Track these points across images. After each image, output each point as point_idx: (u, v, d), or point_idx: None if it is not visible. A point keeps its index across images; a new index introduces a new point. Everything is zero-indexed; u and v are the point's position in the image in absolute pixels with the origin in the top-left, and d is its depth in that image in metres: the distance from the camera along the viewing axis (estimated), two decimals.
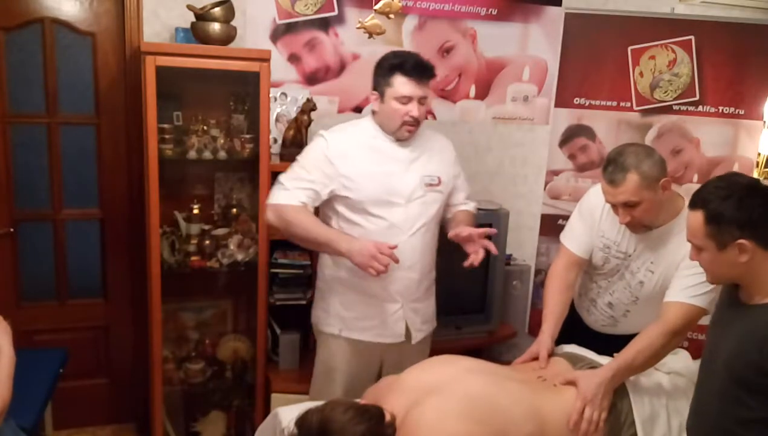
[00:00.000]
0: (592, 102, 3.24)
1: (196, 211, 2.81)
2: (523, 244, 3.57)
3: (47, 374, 2.62)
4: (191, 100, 2.83)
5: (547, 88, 3.51)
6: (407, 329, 2.31)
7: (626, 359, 1.91)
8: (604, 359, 2.03)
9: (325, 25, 3.09)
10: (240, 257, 2.82)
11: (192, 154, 2.73)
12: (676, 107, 3.21)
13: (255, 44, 2.94)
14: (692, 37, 3.14)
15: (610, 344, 2.10)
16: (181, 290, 2.86)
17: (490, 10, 3.34)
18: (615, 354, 1.97)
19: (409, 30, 3.25)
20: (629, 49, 3.17)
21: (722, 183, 1.60)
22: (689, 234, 1.64)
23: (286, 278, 2.84)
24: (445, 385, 1.72)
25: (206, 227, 2.85)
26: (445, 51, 3.34)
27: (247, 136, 2.78)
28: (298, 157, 2.25)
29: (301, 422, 1.54)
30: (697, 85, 3.18)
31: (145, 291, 2.79)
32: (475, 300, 3.14)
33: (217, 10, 2.61)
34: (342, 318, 2.29)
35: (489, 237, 2.23)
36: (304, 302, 2.81)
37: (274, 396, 2.73)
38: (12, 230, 2.91)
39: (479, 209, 3.10)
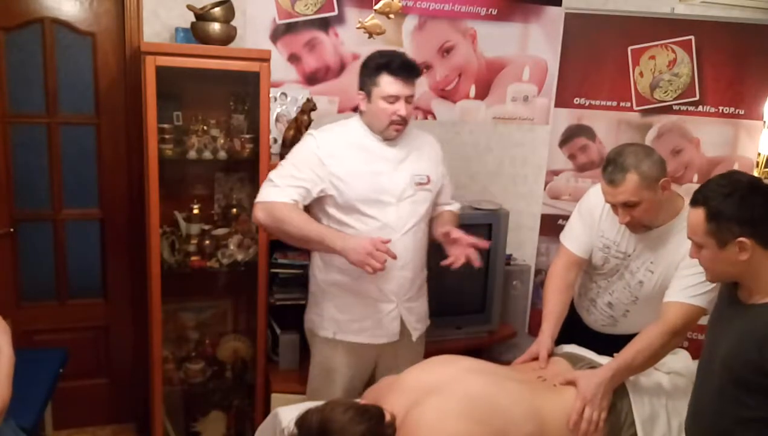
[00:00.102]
0: (592, 102, 3.24)
1: (196, 211, 2.81)
2: (523, 244, 3.57)
3: (47, 374, 2.62)
4: (191, 100, 2.83)
5: (547, 88, 3.51)
6: (405, 327, 2.31)
7: (626, 359, 1.91)
8: (604, 359, 2.03)
9: (325, 25, 3.09)
10: (240, 257, 2.82)
11: (192, 154, 2.73)
12: (676, 107, 3.21)
13: (255, 44, 2.94)
14: (692, 37, 3.14)
15: (609, 344, 2.10)
16: (181, 290, 2.86)
17: (490, 10, 3.34)
18: (615, 354, 1.97)
19: (409, 30, 3.25)
20: (629, 49, 3.18)
21: (724, 181, 1.60)
22: (690, 231, 1.64)
23: (286, 278, 2.84)
24: (445, 385, 1.72)
25: (206, 227, 2.85)
26: (445, 51, 3.34)
27: (247, 136, 2.78)
28: (288, 156, 2.25)
29: (301, 422, 1.54)
30: (697, 85, 3.18)
31: (145, 291, 2.79)
32: (475, 300, 3.14)
33: (217, 10, 2.61)
34: (336, 321, 2.28)
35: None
36: (304, 302, 2.79)
37: (274, 396, 2.73)
38: (12, 230, 2.91)
39: (479, 209, 3.13)
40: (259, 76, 2.64)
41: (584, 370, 1.98)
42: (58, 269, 3.02)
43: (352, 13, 3.08)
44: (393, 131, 2.20)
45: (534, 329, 3.37)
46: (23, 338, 2.83)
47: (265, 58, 2.65)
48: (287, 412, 1.95)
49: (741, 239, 1.54)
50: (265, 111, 2.69)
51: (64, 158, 2.94)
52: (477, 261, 2.19)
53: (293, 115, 2.96)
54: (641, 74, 3.19)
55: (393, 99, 2.15)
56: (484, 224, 3.08)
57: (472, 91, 3.43)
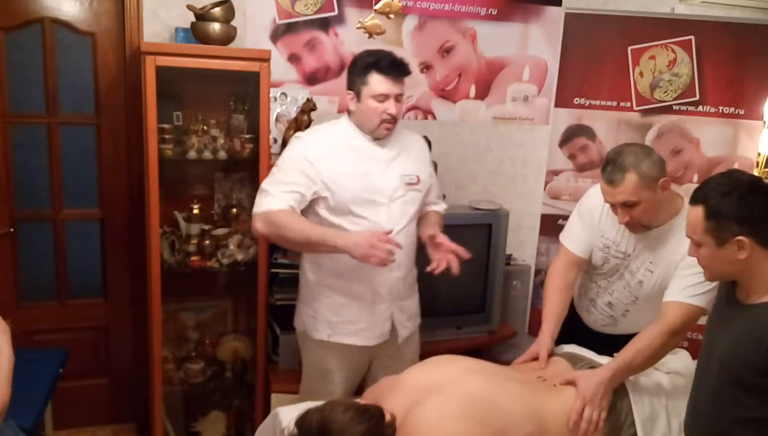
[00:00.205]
0: (592, 102, 3.24)
1: (196, 211, 2.81)
2: (523, 244, 3.58)
3: (47, 374, 2.62)
4: (191, 100, 2.83)
5: (547, 88, 3.51)
6: (394, 327, 2.31)
7: (625, 359, 1.91)
8: (604, 359, 2.03)
9: (325, 25, 3.09)
10: (240, 257, 2.82)
11: (192, 154, 2.73)
12: (676, 107, 3.21)
13: (255, 44, 2.94)
14: (692, 37, 3.14)
15: (609, 343, 2.10)
16: (181, 290, 2.86)
17: (490, 10, 3.34)
18: (615, 354, 1.97)
19: (409, 30, 3.25)
20: (629, 49, 3.18)
21: (724, 179, 1.60)
22: (689, 229, 1.64)
23: (286, 278, 2.84)
24: (445, 385, 1.72)
25: (206, 227, 2.85)
26: (445, 51, 3.34)
27: (247, 136, 2.78)
28: (278, 162, 2.23)
29: (301, 422, 1.54)
30: (697, 85, 3.18)
31: (145, 291, 2.79)
32: (475, 300, 3.14)
33: (217, 10, 2.61)
34: (330, 323, 2.27)
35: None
36: None
37: (274, 396, 2.73)
38: (12, 230, 2.91)
39: (479, 209, 3.12)
40: (259, 76, 2.64)
41: (584, 370, 1.98)
42: (58, 269, 3.02)
43: (352, 13, 3.08)
44: (383, 130, 2.19)
45: (534, 329, 3.37)
46: (23, 338, 2.83)
47: (265, 58, 2.65)
48: (287, 412, 1.94)
49: (740, 237, 1.54)
50: (265, 111, 2.69)
51: (64, 158, 2.94)
52: (456, 269, 2.17)
53: (293, 115, 2.96)
54: (641, 74, 3.20)
55: (383, 98, 2.14)
56: (484, 224, 3.08)
57: (472, 91, 3.43)
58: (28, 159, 2.91)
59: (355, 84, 2.18)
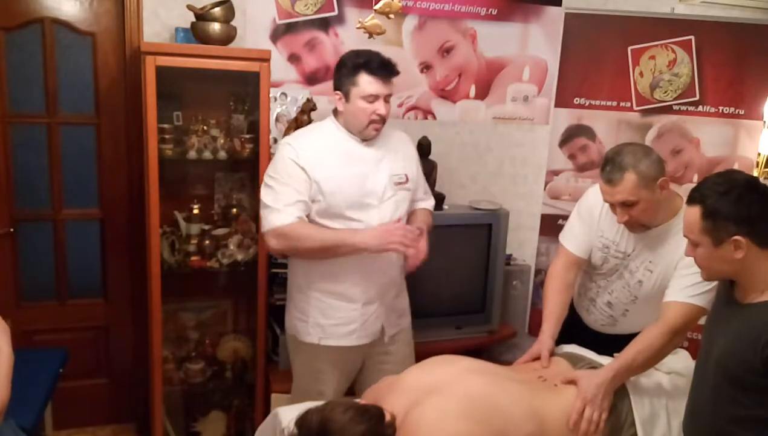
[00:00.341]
0: (592, 102, 3.24)
1: (196, 211, 2.81)
2: (523, 244, 3.58)
3: (47, 374, 2.62)
4: (191, 100, 2.83)
5: (547, 88, 3.51)
6: (383, 325, 2.31)
7: (626, 359, 1.91)
8: (604, 359, 2.03)
9: (325, 25, 3.09)
10: (240, 257, 2.82)
11: (192, 154, 2.73)
12: (676, 107, 3.21)
13: (255, 44, 2.94)
14: (692, 37, 3.15)
15: (609, 343, 2.10)
16: (181, 290, 2.86)
17: (490, 10, 3.34)
18: (615, 354, 1.97)
19: (409, 30, 3.25)
20: (629, 49, 3.18)
21: (721, 179, 1.61)
22: (686, 229, 1.65)
23: (286, 278, 2.83)
24: (445, 385, 1.72)
25: (206, 227, 2.85)
26: (445, 51, 3.34)
27: (247, 136, 2.78)
28: (271, 174, 2.18)
29: (301, 422, 1.53)
30: (697, 85, 3.18)
31: (145, 291, 2.79)
32: (475, 300, 3.14)
33: (217, 10, 2.61)
34: (322, 327, 2.26)
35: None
36: None
37: (274, 396, 2.73)
38: (12, 230, 2.91)
39: (479, 209, 3.13)
40: (259, 76, 2.64)
41: (585, 370, 1.98)
42: (58, 269, 3.02)
43: (352, 13, 3.08)
44: (372, 131, 2.18)
45: (534, 329, 3.38)
46: (23, 338, 2.83)
47: (265, 58, 2.65)
48: (287, 412, 1.94)
49: (736, 237, 1.55)
50: (265, 111, 2.69)
51: (64, 158, 2.94)
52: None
53: (293, 115, 2.96)
54: (641, 74, 3.20)
55: (373, 98, 2.13)
56: (484, 224, 3.08)
57: (472, 91, 3.43)
58: (28, 159, 2.91)
59: (343, 84, 2.16)
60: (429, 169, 3.04)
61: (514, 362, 2.15)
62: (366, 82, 2.12)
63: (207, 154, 2.76)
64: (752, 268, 1.57)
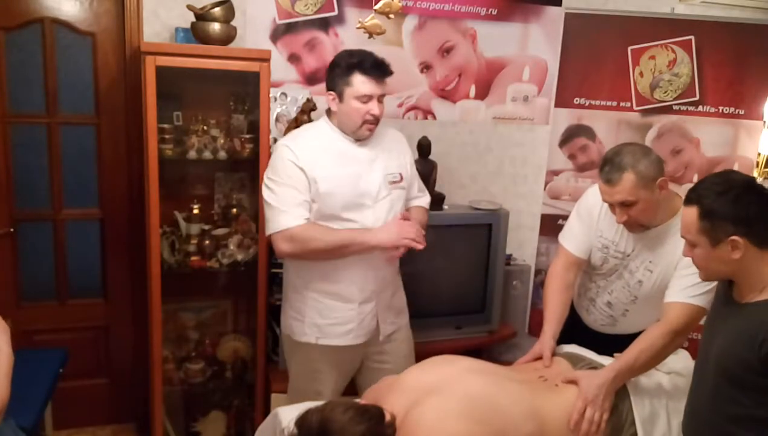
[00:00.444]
0: (592, 102, 3.24)
1: (196, 211, 2.81)
2: (523, 244, 3.58)
3: (47, 374, 2.62)
4: (191, 100, 2.83)
5: (547, 88, 3.51)
6: (379, 324, 2.31)
7: (628, 360, 1.91)
8: (604, 359, 2.04)
9: (325, 25, 3.09)
10: (240, 257, 2.82)
11: (192, 154, 2.73)
12: (676, 107, 3.21)
13: (255, 44, 2.94)
14: (692, 37, 3.15)
15: (609, 343, 2.10)
16: (181, 290, 2.86)
17: (490, 10, 3.34)
18: (615, 354, 1.97)
19: (409, 30, 3.25)
20: (629, 49, 3.18)
21: (718, 179, 1.61)
22: (683, 229, 1.65)
23: None
24: (445, 385, 1.72)
25: (206, 227, 2.85)
26: (445, 51, 3.34)
27: (247, 136, 2.78)
28: (271, 176, 2.17)
29: (301, 422, 1.53)
30: (697, 85, 3.18)
31: (145, 291, 2.79)
32: (475, 300, 3.14)
33: (217, 10, 2.61)
34: (318, 326, 2.26)
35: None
36: None
37: (274, 396, 2.73)
38: (12, 230, 2.91)
39: (479, 209, 3.12)
40: (259, 76, 2.64)
41: (585, 370, 1.98)
42: (58, 269, 3.02)
43: (352, 13, 3.08)
44: (366, 131, 2.18)
45: (534, 329, 3.38)
46: (23, 338, 2.83)
47: (265, 58, 2.65)
48: (287, 412, 1.94)
49: (734, 237, 1.55)
50: (265, 111, 2.69)
51: (64, 158, 2.94)
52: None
53: (293, 115, 2.96)
54: (641, 74, 3.20)
55: (366, 98, 2.13)
56: (484, 224, 3.08)
57: (472, 91, 3.43)
58: (28, 159, 2.91)
59: (337, 85, 2.15)
60: (429, 169, 3.04)
61: (514, 362, 2.15)
62: (360, 83, 2.12)
63: (207, 154, 2.76)
64: (750, 268, 1.58)
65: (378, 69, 2.14)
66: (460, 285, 3.11)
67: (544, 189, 3.35)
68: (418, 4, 3.22)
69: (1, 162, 2.85)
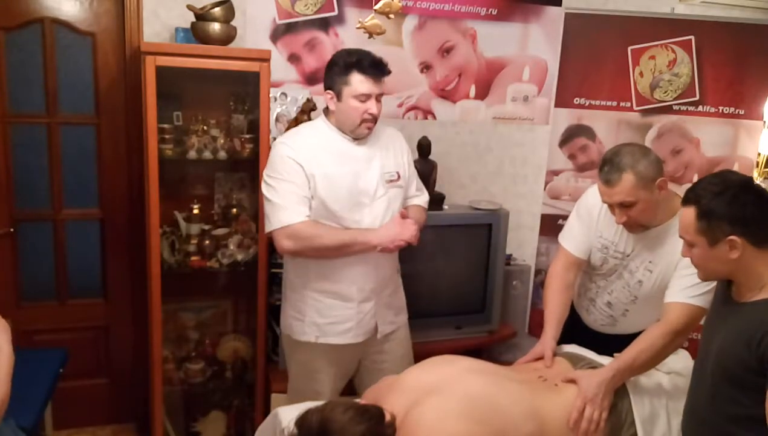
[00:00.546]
0: (592, 102, 3.24)
1: (196, 211, 2.81)
2: (523, 244, 3.58)
3: (47, 374, 2.62)
4: (191, 100, 2.83)
5: (547, 88, 3.51)
6: (378, 323, 2.32)
7: (627, 359, 1.91)
8: (604, 359, 2.04)
9: (325, 25, 3.09)
10: (240, 257, 2.82)
11: (192, 154, 2.73)
12: (676, 107, 3.21)
13: (255, 44, 2.94)
14: (692, 37, 3.15)
15: (609, 343, 2.10)
16: (181, 290, 2.86)
17: (490, 10, 3.34)
18: (615, 354, 1.97)
19: (409, 30, 3.25)
20: (629, 49, 3.18)
21: (716, 180, 1.62)
22: (681, 230, 1.65)
23: None
24: (445, 385, 1.72)
25: (206, 227, 2.85)
26: (445, 51, 3.34)
27: (247, 136, 2.78)
28: (271, 173, 2.18)
29: (301, 422, 1.53)
30: (697, 85, 3.18)
31: (145, 291, 2.79)
32: (475, 300, 3.14)
33: (217, 10, 2.61)
34: (318, 325, 2.26)
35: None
36: None
37: (274, 396, 2.73)
38: (12, 230, 2.91)
39: (479, 209, 3.12)
40: (259, 76, 2.64)
41: (585, 370, 1.99)
42: (58, 269, 3.02)
43: (352, 13, 3.08)
44: (365, 130, 2.19)
45: (534, 329, 3.38)
46: (23, 338, 2.83)
47: (265, 58, 2.65)
48: (287, 412, 1.94)
49: (731, 237, 1.55)
50: (265, 111, 2.69)
51: (64, 158, 2.94)
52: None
53: (293, 115, 2.96)
54: (641, 74, 3.20)
55: (365, 97, 2.13)
56: (484, 224, 3.08)
57: (472, 91, 3.43)
58: (28, 159, 2.91)
59: (335, 84, 2.16)
60: (429, 169, 3.04)
61: (514, 362, 2.15)
62: (358, 82, 2.12)
63: (207, 154, 2.76)
64: (748, 267, 1.58)
65: (376, 68, 2.14)
66: (460, 285, 3.11)
67: (544, 189, 3.35)
68: (418, 4, 3.22)
69: (1, 162, 2.85)
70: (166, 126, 2.67)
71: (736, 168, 3.15)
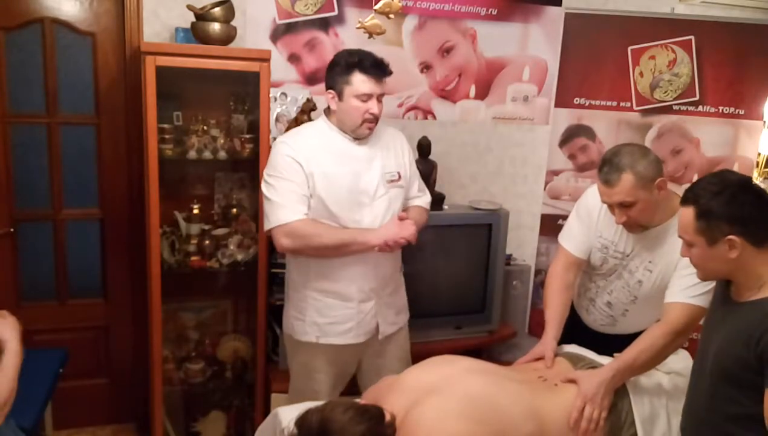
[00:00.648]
0: (592, 102, 3.24)
1: (196, 211, 2.81)
2: (523, 244, 3.58)
3: (47, 374, 2.62)
4: (191, 100, 2.83)
5: (547, 88, 3.51)
6: (379, 323, 2.32)
7: (628, 359, 1.91)
8: (604, 359, 2.04)
9: (325, 25, 3.09)
10: (240, 257, 2.82)
11: (192, 154, 2.73)
12: (676, 107, 3.21)
13: (255, 44, 2.94)
14: (692, 37, 3.15)
15: (609, 343, 2.11)
16: (181, 290, 2.86)
17: (490, 10, 3.34)
18: (615, 354, 1.97)
19: (409, 30, 3.25)
20: (629, 49, 3.18)
21: (714, 179, 1.62)
22: (680, 230, 1.66)
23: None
24: (445, 385, 1.72)
25: (206, 227, 2.85)
26: (445, 51, 3.34)
27: (247, 136, 2.78)
28: (270, 172, 2.19)
29: (301, 422, 1.54)
30: (697, 85, 3.18)
31: (145, 291, 2.79)
32: (475, 300, 3.14)
33: (217, 10, 2.61)
34: (319, 325, 2.27)
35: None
36: None
37: (274, 396, 2.73)
38: (12, 230, 2.91)
39: (479, 209, 3.12)
40: (259, 76, 2.64)
41: (585, 370, 1.99)
42: (58, 269, 3.02)
43: (352, 13, 3.08)
44: (366, 129, 2.19)
45: (534, 329, 3.38)
46: (23, 338, 2.82)
47: (265, 58, 2.65)
48: (287, 412, 1.95)
49: (730, 236, 1.55)
50: (265, 111, 2.69)
51: (64, 158, 2.94)
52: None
53: (293, 115, 2.96)
54: (641, 74, 3.20)
55: (366, 97, 2.14)
56: (484, 224, 3.08)
57: (472, 91, 3.43)
58: (28, 159, 2.91)
59: (336, 83, 2.17)
60: (429, 169, 3.04)
61: (514, 362, 2.16)
62: (359, 81, 2.13)
63: (207, 154, 2.76)
64: (747, 267, 1.58)
65: (377, 68, 2.15)
66: (460, 285, 3.11)
67: (544, 189, 3.35)
68: (418, 4, 3.22)
69: (1, 162, 2.85)
70: (166, 126, 2.67)
71: (736, 168, 3.15)
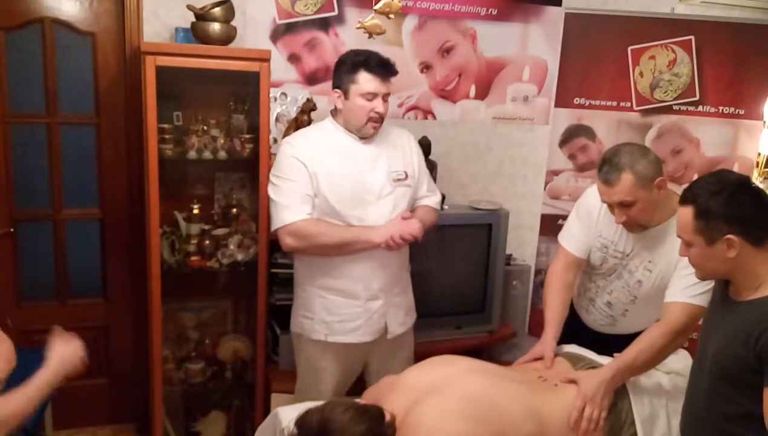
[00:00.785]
0: (592, 102, 3.24)
1: (196, 211, 2.81)
2: (523, 244, 3.58)
3: None
4: (191, 100, 2.83)
5: (547, 88, 3.51)
6: (388, 323, 2.32)
7: (628, 359, 1.91)
8: (604, 359, 2.04)
9: (325, 25, 3.09)
10: (240, 257, 2.82)
11: (192, 154, 2.73)
12: (676, 107, 3.21)
13: (255, 44, 2.94)
14: (692, 37, 3.15)
15: (609, 343, 2.11)
16: (181, 290, 2.86)
17: (490, 10, 3.34)
18: (615, 354, 1.97)
19: (409, 30, 3.25)
20: (629, 49, 3.18)
21: (713, 179, 1.62)
22: (679, 229, 1.66)
23: (286, 278, 2.83)
24: (445, 385, 1.72)
25: (206, 227, 2.84)
26: (445, 51, 3.34)
27: (247, 136, 2.78)
28: (276, 173, 2.23)
29: (301, 422, 1.54)
30: (697, 85, 3.18)
31: (145, 291, 2.79)
32: (475, 300, 3.14)
33: (217, 10, 2.61)
34: (327, 323, 2.28)
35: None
36: None
37: (274, 396, 2.73)
38: (12, 230, 2.91)
39: (479, 209, 3.12)
40: (259, 76, 2.64)
41: (585, 370, 1.99)
42: (58, 269, 3.02)
43: (352, 13, 3.08)
44: (371, 129, 2.21)
45: (534, 329, 3.38)
46: (23, 338, 2.81)
47: (265, 58, 2.65)
48: (287, 412, 1.95)
49: (729, 236, 1.55)
50: (265, 111, 2.69)
51: (64, 158, 2.94)
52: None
53: (293, 115, 2.96)
54: (641, 74, 3.20)
55: (371, 96, 2.16)
56: (484, 224, 3.08)
57: (472, 91, 3.43)
58: (28, 159, 2.91)
59: (343, 82, 2.19)
60: (429, 170, 3.03)
61: (514, 362, 2.16)
62: (365, 80, 2.15)
63: (207, 154, 2.76)
64: (746, 266, 1.58)
65: (383, 68, 2.17)
66: (460, 285, 3.11)
67: (544, 189, 3.36)
68: (418, 4, 3.22)
69: (1, 162, 2.85)
70: (166, 126, 2.67)
71: (736, 168, 3.15)
